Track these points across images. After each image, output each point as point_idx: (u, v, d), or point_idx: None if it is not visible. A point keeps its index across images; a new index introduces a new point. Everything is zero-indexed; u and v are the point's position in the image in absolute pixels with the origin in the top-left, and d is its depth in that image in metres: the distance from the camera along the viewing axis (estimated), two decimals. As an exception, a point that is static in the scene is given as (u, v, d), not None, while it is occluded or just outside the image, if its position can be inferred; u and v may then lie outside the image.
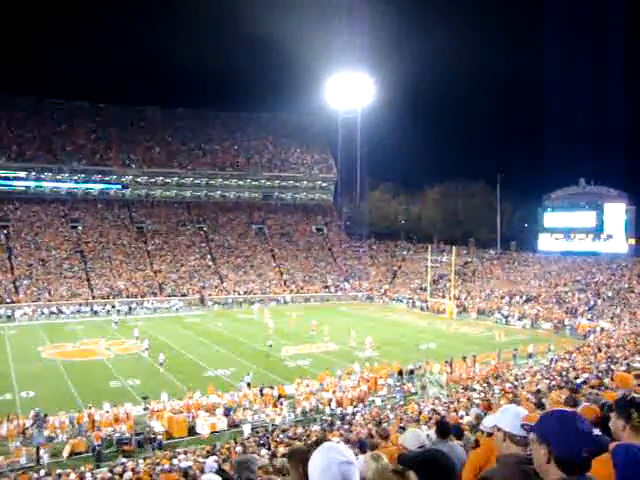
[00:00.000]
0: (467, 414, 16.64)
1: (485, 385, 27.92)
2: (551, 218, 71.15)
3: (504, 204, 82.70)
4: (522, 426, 3.20)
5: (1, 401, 28.59)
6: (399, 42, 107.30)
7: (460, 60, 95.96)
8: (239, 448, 18.82)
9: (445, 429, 6.22)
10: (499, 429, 3.37)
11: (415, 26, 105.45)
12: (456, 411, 19.51)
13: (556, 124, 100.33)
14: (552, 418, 2.51)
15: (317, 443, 3.60)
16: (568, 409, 2.94)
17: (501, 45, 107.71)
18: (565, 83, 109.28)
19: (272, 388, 28.97)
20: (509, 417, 3.38)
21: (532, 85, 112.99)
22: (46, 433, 23.31)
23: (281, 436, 21.51)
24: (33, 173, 77.67)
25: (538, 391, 18.43)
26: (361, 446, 9.46)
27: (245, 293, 68.26)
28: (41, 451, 21.93)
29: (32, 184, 77.67)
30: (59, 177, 79.11)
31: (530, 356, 37.10)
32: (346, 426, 22.49)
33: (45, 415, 24.39)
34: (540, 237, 72.22)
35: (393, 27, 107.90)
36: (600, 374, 19.41)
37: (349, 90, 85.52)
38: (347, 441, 16.71)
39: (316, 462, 2.52)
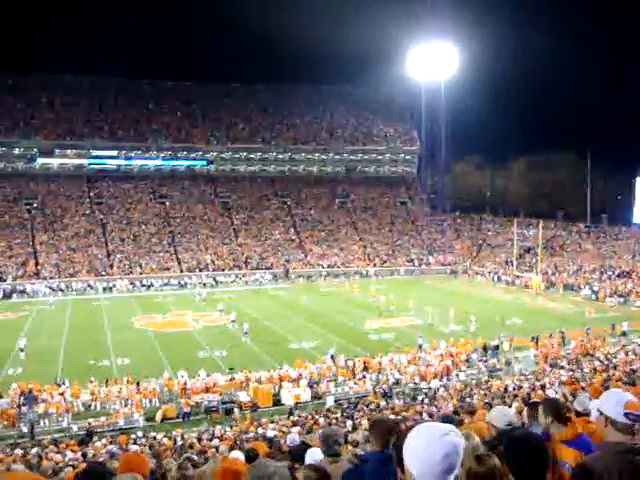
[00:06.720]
0: (556, 392, 16.18)
1: (574, 363, 27.10)
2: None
3: (595, 175, 79.08)
4: (626, 415, 3.01)
5: (100, 367, 30.16)
6: (484, 10, 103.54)
7: (548, 30, 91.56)
8: (322, 420, 19.05)
9: (559, 410, 5.38)
10: (601, 413, 3.15)
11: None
12: (543, 388, 19.04)
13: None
14: None
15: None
16: None
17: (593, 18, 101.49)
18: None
19: (354, 360, 29.16)
20: (612, 402, 3.09)
21: (626, 56, 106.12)
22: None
23: (365, 409, 21.62)
24: (123, 152, 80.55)
25: (633, 371, 17.71)
26: (445, 422, 9.24)
27: (329, 266, 68.76)
28: (135, 415, 23.05)
29: (123, 162, 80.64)
30: (147, 155, 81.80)
31: (624, 334, 35.29)
32: (427, 400, 22.41)
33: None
34: (635, 209, 68.43)
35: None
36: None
37: (432, 61, 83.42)
38: (430, 416, 16.65)
39: (414, 442, 2.23)
